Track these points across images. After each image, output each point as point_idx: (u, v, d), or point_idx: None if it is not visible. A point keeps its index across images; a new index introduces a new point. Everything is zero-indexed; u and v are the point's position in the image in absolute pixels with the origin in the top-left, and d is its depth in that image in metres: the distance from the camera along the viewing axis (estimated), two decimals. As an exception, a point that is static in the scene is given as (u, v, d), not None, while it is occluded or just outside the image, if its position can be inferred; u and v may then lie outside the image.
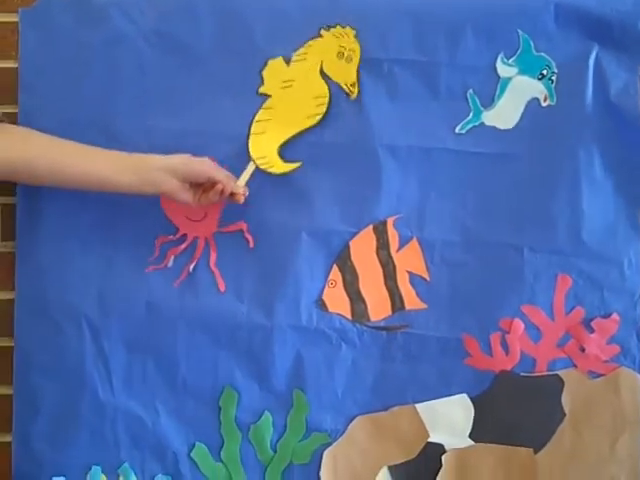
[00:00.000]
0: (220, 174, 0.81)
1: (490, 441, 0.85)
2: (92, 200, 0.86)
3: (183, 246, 0.87)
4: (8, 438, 0.88)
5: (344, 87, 0.87)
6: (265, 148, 0.86)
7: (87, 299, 0.86)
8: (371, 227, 0.87)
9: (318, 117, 0.86)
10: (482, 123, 0.89)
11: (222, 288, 0.86)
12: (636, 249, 0.87)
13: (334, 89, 0.87)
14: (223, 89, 0.88)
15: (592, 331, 0.86)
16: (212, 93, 0.88)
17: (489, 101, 0.89)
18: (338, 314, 0.87)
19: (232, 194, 0.82)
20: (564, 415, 0.86)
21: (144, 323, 0.86)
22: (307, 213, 0.87)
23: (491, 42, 0.88)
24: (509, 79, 0.89)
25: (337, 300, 0.87)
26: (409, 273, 0.87)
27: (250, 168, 0.85)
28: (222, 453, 0.86)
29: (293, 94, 0.87)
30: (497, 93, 0.89)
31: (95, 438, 0.86)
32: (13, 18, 0.88)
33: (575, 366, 0.86)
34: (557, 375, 0.86)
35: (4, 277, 0.89)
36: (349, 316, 0.87)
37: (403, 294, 0.87)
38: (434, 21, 0.88)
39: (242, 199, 0.83)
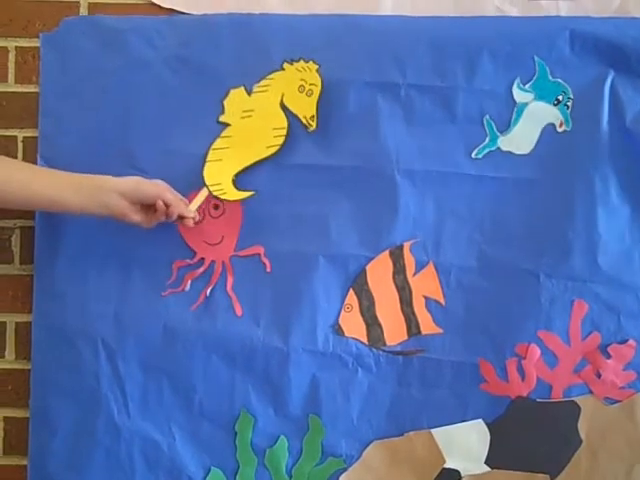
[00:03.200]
0: (170, 196, 0.82)
1: (506, 467, 0.85)
2: (110, 224, 0.86)
3: (200, 270, 0.87)
4: (24, 461, 0.88)
5: (303, 120, 0.87)
6: (220, 176, 0.86)
7: (104, 322, 0.87)
8: (387, 252, 0.87)
9: (275, 148, 0.87)
10: (498, 148, 0.89)
11: (239, 312, 0.87)
12: (652, 275, 0.87)
13: (293, 121, 0.87)
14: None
15: (609, 357, 0.86)
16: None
17: (505, 126, 0.89)
18: (354, 339, 0.87)
19: (182, 217, 0.83)
20: (581, 441, 0.85)
21: (161, 346, 0.86)
22: (324, 237, 0.87)
23: (508, 68, 0.88)
24: (525, 104, 0.90)
25: (353, 324, 0.87)
26: (425, 298, 0.87)
27: (203, 193, 0.86)
28: (238, 478, 0.86)
29: (252, 124, 0.87)
30: (513, 118, 0.89)
31: (110, 461, 0.86)
32: (34, 43, 0.90)
33: (591, 392, 0.86)
34: (573, 401, 0.85)
35: (22, 300, 0.89)
36: (365, 341, 0.87)
37: (419, 319, 0.87)
38: (452, 46, 0.88)
39: (191, 222, 0.83)
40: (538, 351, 0.86)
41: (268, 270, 0.87)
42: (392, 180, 0.87)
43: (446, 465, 0.85)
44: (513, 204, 0.88)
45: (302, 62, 0.87)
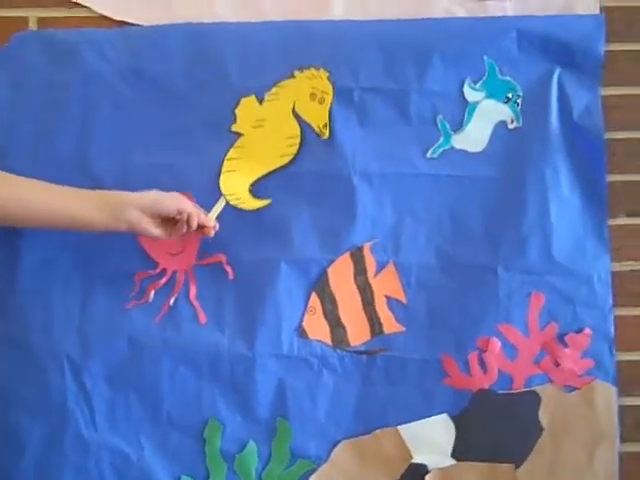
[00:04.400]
0: (189, 207, 0.82)
1: (472, 459, 0.87)
2: (70, 237, 0.86)
3: (163, 281, 0.87)
4: (-9, 482, 0.88)
5: (315, 128, 0.88)
6: (236, 185, 0.87)
7: (68, 338, 0.86)
8: (348, 254, 0.89)
9: (289, 157, 0.88)
10: (452, 147, 0.91)
11: (203, 320, 0.87)
12: (604, 264, 0.90)
13: (306, 129, 0.89)
14: (200, 124, 0.89)
15: (566, 346, 0.88)
16: (189, 128, 0.89)
17: (458, 125, 0.91)
18: (318, 341, 0.88)
19: (201, 227, 0.83)
20: (542, 430, 0.88)
21: (126, 359, 0.86)
22: (285, 243, 0.88)
23: (458, 68, 0.90)
24: (477, 103, 0.92)
25: (317, 327, 0.88)
26: (387, 297, 0.89)
27: (220, 203, 0.86)
28: (208, 485, 0.88)
29: (265, 133, 0.88)
30: (465, 117, 0.91)
31: (80, 476, 0.85)
32: (-17, 60, 0.89)
33: (551, 381, 0.88)
34: (534, 391, 0.88)
35: (-17, 317, 0.89)
36: (329, 342, 0.88)
37: (382, 319, 0.88)
38: (402, 49, 0.90)
39: (212, 232, 0.84)
40: (498, 344, 0.88)
41: (231, 278, 0.87)
42: (349, 183, 0.88)
43: (413, 460, 0.87)
44: (469, 201, 0.90)
45: (313, 70, 0.88)
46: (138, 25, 0.90)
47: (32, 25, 0.91)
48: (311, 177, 0.88)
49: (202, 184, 0.88)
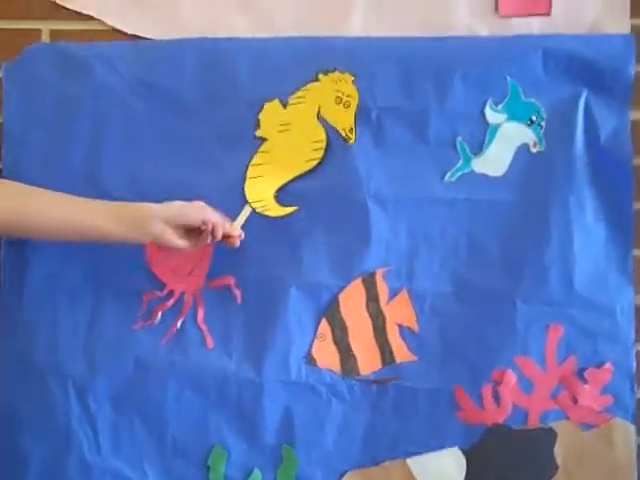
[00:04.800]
0: (214, 217, 0.80)
1: (483, 495, 0.85)
2: (78, 256, 0.85)
3: (170, 302, 0.86)
4: (-5, 500, 0.87)
5: (342, 132, 0.86)
6: (262, 192, 0.86)
7: (73, 357, 0.85)
8: (360, 280, 0.86)
9: (315, 162, 0.86)
10: (472, 170, 0.88)
11: (210, 344, 0.86)
12: (627, 297, 0.86)
13: (331, 134, 0.86)
14: (214, 136, 0.87)
15: (585, 382, 0.85)
16: (202, 141, 0.87)
17: (479, 148, 0.88)
18: (328, 369, 0.86)
19: (227, 237, 0.81)
20: (557, 467, 0.85)
21: (132, 381, 0.85)
22: (295, 267, 0.85)
23: (479, 88, 0.87)
24: (498, 126, 0.88)
25: (327, 354, 0.86)
26: (399, 326, 0.86)
27: (246, 211, 0.85)
28: (212, 512, 0.86)
29: (290, 138, 0.86)
30: (486, 140, 0.88)
31: (83, 500, 0.85)
32: (-4, 73, 0.88)
33: (568, 418, 0.85)
34: (549, 427, 0.85)
35: (-11, 333, 0.88)
36: (339, 370, 0.86)
37: (393, 348, 0.86)
38: (422, 67, 0.87)
39: (237, 242, 0.82)
40: (514, 377, 0.85)
41: (239, 301, 0.85)
42: (364, 206, 0.86)
43: (422, 494, 0.85)
44: (488, 228, 0.87)
45: (338, 73, 0.86)
46: (150, 39, 0.89)
47: (45, 38, 0.89)
48: (330, 193, 0.86)
49: (220, 194, 0.85)
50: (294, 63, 0.86)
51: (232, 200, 0.85)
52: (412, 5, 0.89)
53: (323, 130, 0.86)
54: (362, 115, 0.86)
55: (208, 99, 0.87)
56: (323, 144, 0.86)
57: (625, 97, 0.87)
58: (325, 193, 0.86)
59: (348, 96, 0.86)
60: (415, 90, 0.87)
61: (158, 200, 0.81)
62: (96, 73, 0.87)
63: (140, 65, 0.88)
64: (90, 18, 0.89)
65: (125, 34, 0.89)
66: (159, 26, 0.89)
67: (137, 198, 0.83)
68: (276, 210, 0.86)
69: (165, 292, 0.86)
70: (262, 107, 0.86)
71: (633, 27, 0.89)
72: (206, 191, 0.85)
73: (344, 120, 0.86)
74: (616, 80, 0.87)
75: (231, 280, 0.86)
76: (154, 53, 0.88)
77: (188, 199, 0.82)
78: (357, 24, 0.89)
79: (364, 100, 0.86)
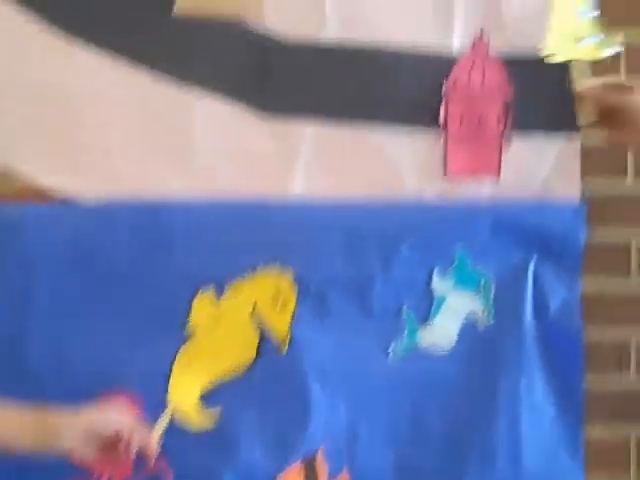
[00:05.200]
0: (129, 425, 0.73)
1: None
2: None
3: (96, 490, 0.81)
4: None
5: (275, 339, 0.81)
6: (185, 395, 0.80)
7: None
8: (299, 461, 0.81)
9: (244, 365, 0.81)
10: (417, 345, 0.84)
11: (137, 538, 0.80)
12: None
13: (264, 336, 0.81)
14: (146, 314, 0.81)
15: None
16: (132, 317, 0.82)
17: (425, 317, 0.84)
18: None
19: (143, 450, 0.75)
20: None
21: None
22: (230, 452, 0.80)
23: (427, 255, 0.84)
24: (445, 296, 0.85)
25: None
26: (339, 509, 0.82)
27: (166, 418, 0.79)
28: None
29: (220, 335, 0.81)
30: (433, 309, 0.85)
31: None
32: None
33: None
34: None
35: None
36: None
37: (332, 534, 0.82)
38: (368, 235, 0.83)
39: (152, 457, 0.74)
40: None
41: (170, 488, 0.81)
42: (304, 385, 0.81)
43: None
44: (433, 405, 0.83)
45: (277, 268, 0.81)
46: (84, 199, 0.83)
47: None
48: (265, 386, 0.81)
49: (144, 383, 0.79)
50: (234, 239, 0.81)
51: (156, 391, 0.80)
52: (357, 166, 0.85)
53: (256, 334, 0.81)
54: (300, 285, 0.81)
55: (141, 271, 0.82)
56: (254, 349, 0.81)
57: (575, 268, 0.85)
58: (266, 380, 0.81)
59: (286, 296, 0.81)
60: (358, 258, 0.83)
61: (82, 384, 0.77)
62: (24, 238, 0.82)
63: (72, 229, 0.82)
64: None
65: (57, 195, 0.83)
66: (93, 185, 0.83)
67: (62, 381, 0.78)
68: (198, 419, 0.80)
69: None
70: (197, 290, 0.81)
71: (584, 189, 0.87)
72: (132, 378, 0.80)
73: (279, 325, 0.81)
74: (566, 250, 0.85)
75: (163, 462, 0.80)
76: (88, 216, 0.82)
77: (113, 384, 0.78)
78: (299, 186, 0.85)
79: (302, 270, 0.81)
